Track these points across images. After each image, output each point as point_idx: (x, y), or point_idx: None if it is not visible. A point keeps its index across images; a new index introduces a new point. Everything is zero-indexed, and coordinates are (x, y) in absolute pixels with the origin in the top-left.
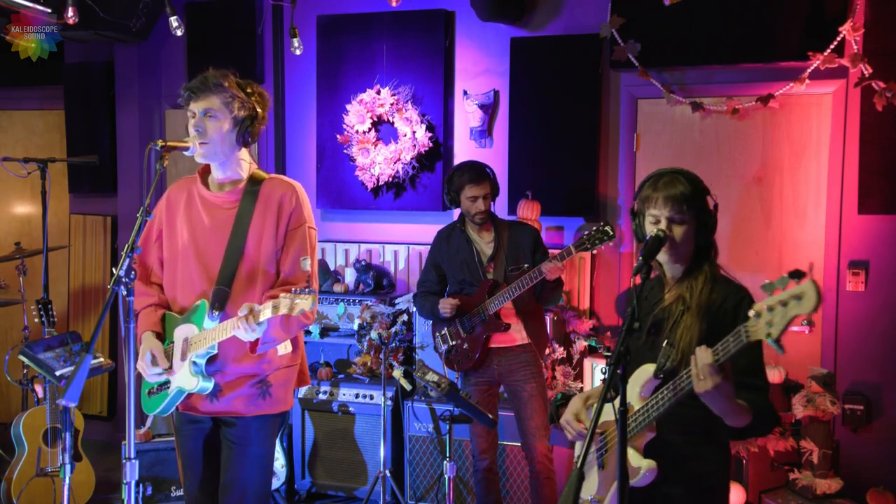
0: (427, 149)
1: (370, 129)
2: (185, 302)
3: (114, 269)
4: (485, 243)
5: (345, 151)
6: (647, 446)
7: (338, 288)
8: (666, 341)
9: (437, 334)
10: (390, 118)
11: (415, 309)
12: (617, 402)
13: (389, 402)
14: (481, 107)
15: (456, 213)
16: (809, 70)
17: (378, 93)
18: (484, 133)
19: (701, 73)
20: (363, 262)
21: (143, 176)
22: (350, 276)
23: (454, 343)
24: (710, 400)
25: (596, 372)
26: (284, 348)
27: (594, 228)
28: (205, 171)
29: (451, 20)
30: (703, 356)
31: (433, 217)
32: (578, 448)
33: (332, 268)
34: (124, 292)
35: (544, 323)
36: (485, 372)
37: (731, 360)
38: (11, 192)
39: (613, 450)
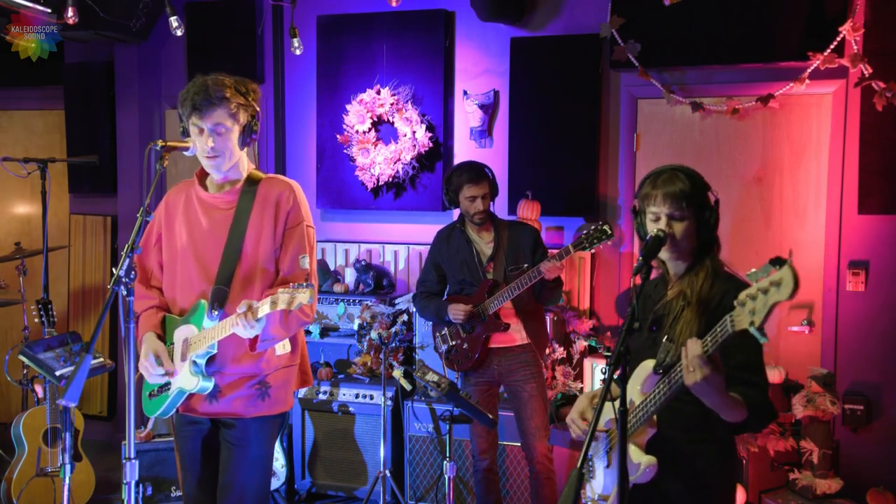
0: (427, 149)
1: (370, 129)
2: (184, 303)
3: (114, 269)
4: (484, 243)
5: (345, 151)
6: (649, 443)
7: (338, 288)
8: (666, 337)
9: (437, 334)
10: (390, 118)
11: (415, 309)
12: (618, 401)
13: (389, 402)
14: (481, 107)
15: (456, 213)
16: (809, 70)
17: (378, 93)
18: (484, 133)
19: (701, 73)
20: (363, 262)
21: (143, 176)
22: (350, 276)
23: (454, 343)
24: (701, 392)
25: (596, 372)
26: (283, 348)
27: (592, 228)
28: (203, 173)
29: (451, 20)
30: (692, 348)
31: (433, 217)
32: (592, 447)
33: (332, 268)
34: (124, 292)
35: (544, 323)
36: (485, 372)
37: (723, 351)
38: (11, 192)
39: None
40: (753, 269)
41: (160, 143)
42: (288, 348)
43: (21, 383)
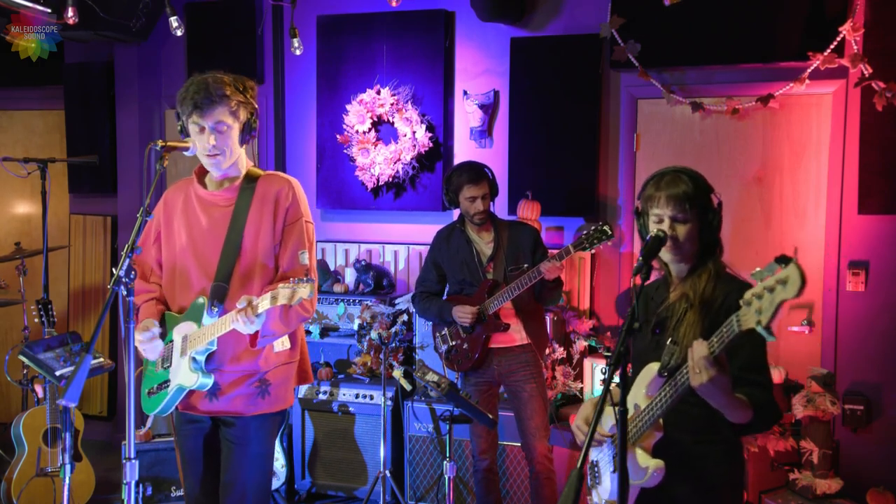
0: (427, 149)
1: (370, 130)
2: (183, 300)
3: (114, 269)
4: (484, 243)
5: (345, 151)
6: (656, 446)
7: (338, 288)
8: (670, 339)
9: (437, 334)
10: (390, 118)
11: (414, 310)
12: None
13: (389, 402)
14: (481, 107)
15: (456, 213)
16: (809, 70)
17: (378, 93)
18: (484, 133)
19: (701, 73)
20: (363, 262)
21: (143, 176)
22: (350, 276)
23: (454, 343)
24: (707, 394)
25: (596, 372)
26: (282, 345)
27: (593, 228)
28: (202, 171)
29: (451, 20)
30: (698, 349)
31: (433, 217)
32: (593, 453)
33: (332, 268)
34: (124, 292)
35: (544, 323)
36: (485, 372)
37: (728, 352)
38: (11, 192)
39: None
40: (758, 269)
41: (160, 143)
42: (287, 345)
43: (21, 383)
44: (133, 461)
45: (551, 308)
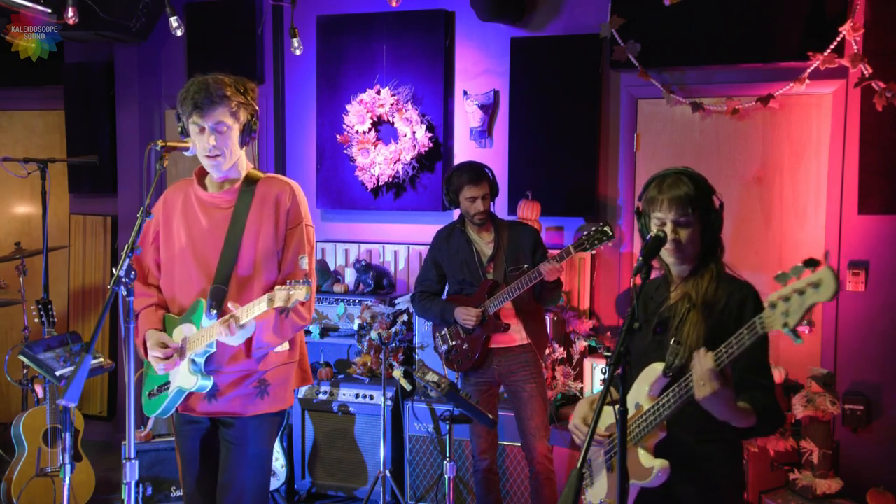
0: (427, 149)
1: (370, 130)
2: (183, 302)
3: (114, 270)
4: (485, 243)
5: (345, 151)
6: (658, 446)
7: (338, 288)
8: (673, 339)
9: (437, 334)
10: (390, 118)
11: (413, 309)
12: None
13: (389, 403)
14: (481, 107)
15: (456, 213)
16: (809, 70)
17: (378, 93)
18: (484, 133)
19: (701, 73)
20: (363, 263)
21: (143, 176)
22: (350, 276)
23: (454, 343)
24: (711, 406)
25: (596, 372)
26: (281, 346)
27: (593, 229)
28: (202, 172)
29: (451, 20)
30: (704, 361)
31: (433, 217)
32: (592, 452)
33: (332, 268)
34: (124, 292)
35: (544, 323)
36: (485, 372)
37: (740, 356)
38: (11, 192)
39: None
40: (781, 271)
41: (160, 143)
42: (286, 346)
43: (21, 383)
44: (133, 461)
45: (551, 308)
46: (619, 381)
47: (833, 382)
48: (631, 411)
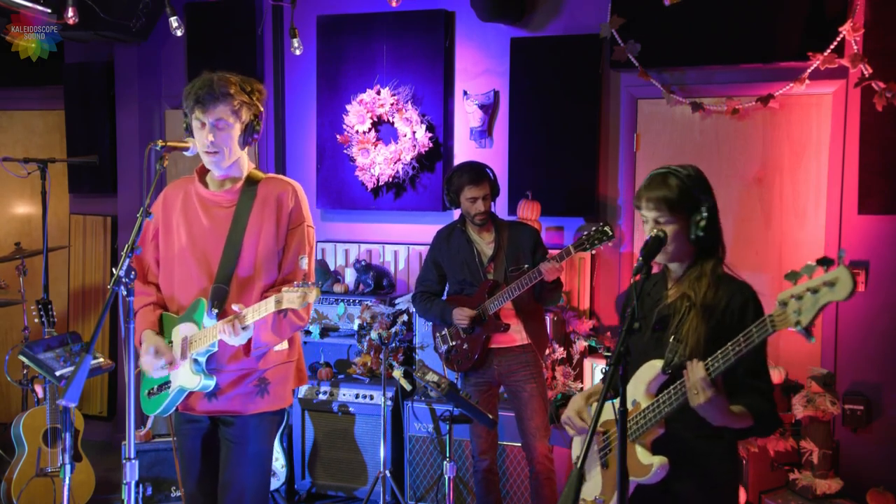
0: (427, 149)
1: (370, 130)
2: (183, 300)
3: (114, 270)
4: (485, 244)
5: (345, 151)
6: (655, 443)
7: (338, 288)
8: (673, 337)
9: (437, 334)
10: (390, 118)
11: (414, 309)
12: (617, 400)
13: (389, 403)
14: (481, 107)
15: (456, 213)
16: (809, 70)
17: (378, 93)
18: (484, 133)
19: (701, 73)
20: (363, 263)
21: (143, 176)
22: (350, 276)
23: (454, 343)
24: (705, 413)
25: (596, 372)
26: (280, 345)
27: (593, 229)
28: (203, 170)
29: (451, 20)
30: (695, 371)
31: (433, 217)
32: (577, 446)
33: (332, 268)
34: (124, 292)
35: (544, 323)
36: (485, 372)
37: (737, 363)
38: (11, 192)
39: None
40: (792, 270)
41: (160, 143)
42: (285, 345)
43: (21, 383)
44: (133, 461)
45: (551, 308)
46: (620, 381)
47: (833, 382)
48: (628, 408)
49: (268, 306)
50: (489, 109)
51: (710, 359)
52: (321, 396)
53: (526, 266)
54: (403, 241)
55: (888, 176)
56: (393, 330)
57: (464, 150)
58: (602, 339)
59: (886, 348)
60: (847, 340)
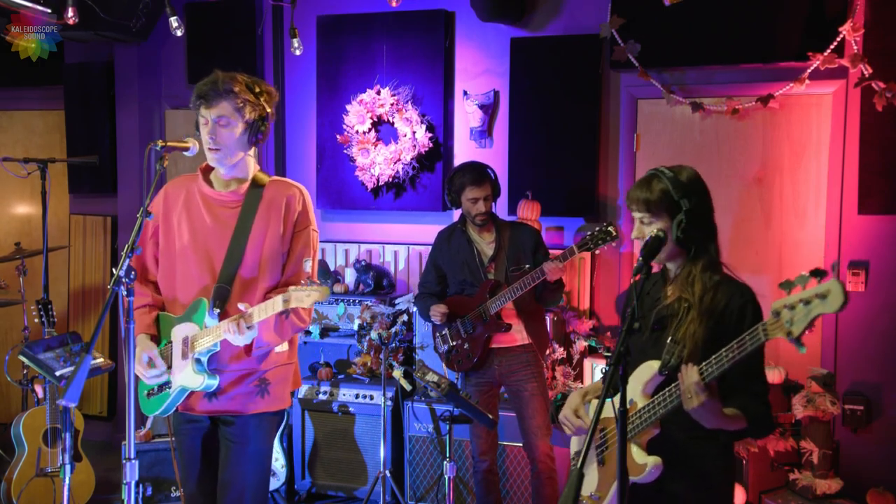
0: (427, 149)
1: (370, 130)
2: (184, 299)
3: (114, 270)
4: (486, 244)
5: (345, 151)
6: (650, 443)
7: (338, 288)
8: (670, 338)
9: (438, 334)
10: (390, 118)
11: (415, 310)
12: (617, 399)
13: (389, 403)
14: (481, 107)
15: (457, 213)
16: (809, 70)
17: (378, 93)
18: (484, 133)
19: (701, 73)
20: (363, 263)
21: (143, 176)
22: (350, 276)
23: (454, 343)
24: (699, 417)
25: (596, 372)
26: (281, 346)
27: (597, 229)
28: (207, 169)
29: (451, 20)
30: (689, 375)
31: (433, 217)
32: (575, 444)
33: (332, 268)
34: (124, 292)
35: (545, 323)
36: (485, 372)
37: (731, 367)
38: (11, 192)
39: (614, 447)
40: (787, 279)
41: (160, 143)
42: (286, 346)
43: (21, 383)
44: (133, 461)
45: (552, 308)
46: (620, 381)
47: (833, 382)
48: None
49: (275, 306)
50: (489, 109)
51: (704, 364)
52: (321, 396)
53: (527, 266)
54: (403, 242)
55: (888, 176)
56: (393, 330)
57: (464, 150)
58: (602, 339)
59: (886, 348)
60: (847, 340)
